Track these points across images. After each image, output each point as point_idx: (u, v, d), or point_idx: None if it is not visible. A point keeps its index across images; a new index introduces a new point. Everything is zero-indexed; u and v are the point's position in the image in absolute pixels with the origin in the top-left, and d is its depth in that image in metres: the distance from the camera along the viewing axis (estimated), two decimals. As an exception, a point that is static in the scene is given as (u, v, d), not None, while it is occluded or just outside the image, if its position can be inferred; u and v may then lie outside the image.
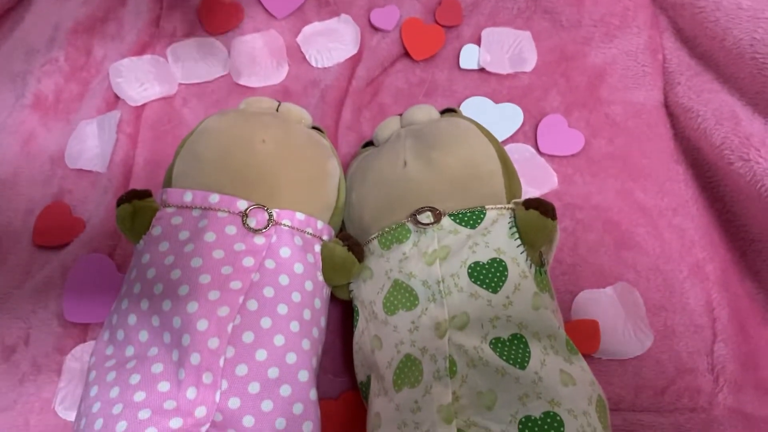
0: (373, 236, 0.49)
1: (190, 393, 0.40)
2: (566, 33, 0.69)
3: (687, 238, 0.58)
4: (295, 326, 0.44)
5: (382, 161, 0.51)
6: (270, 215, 0.46)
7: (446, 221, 0.47)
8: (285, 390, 0.42)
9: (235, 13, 0.71)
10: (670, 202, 0.60)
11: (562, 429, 0.38)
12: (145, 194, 0.49)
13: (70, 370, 0.51)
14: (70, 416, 0.50)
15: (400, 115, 0.55)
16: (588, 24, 0.69)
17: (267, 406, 0.42)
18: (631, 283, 0.56)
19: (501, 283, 0.44)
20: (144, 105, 0.66)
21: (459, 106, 0.66)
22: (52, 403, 0.51)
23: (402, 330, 0.44)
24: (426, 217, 0.47)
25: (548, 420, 0.38)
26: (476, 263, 0.45)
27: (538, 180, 0.61)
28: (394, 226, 0.48)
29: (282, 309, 0.44)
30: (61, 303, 0.54)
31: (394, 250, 0.47)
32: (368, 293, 0.48)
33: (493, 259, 0.45)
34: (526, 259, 0.45)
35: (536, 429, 0.38)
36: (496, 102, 0.66)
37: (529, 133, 0.65)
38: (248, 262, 0.45)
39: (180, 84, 0.67)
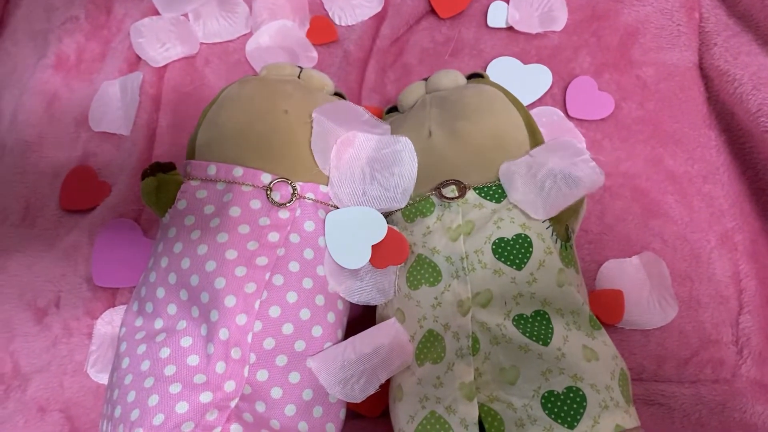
0: (396, 209, 0.49)
1: (219, 367, 0.41)
2: (599, -11, 0.67)
3: (716, 206, 0.57)
4: (320, 300, 0.45)
5: (407, 130, 0.50)
6: (294, 189, 0.46)
7: (471, 195, 0.46)
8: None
9: (257, -32, 0.69)
10: (700, 169, 0.59)
11: (584, 403, 0.38)
12: (169, 167, 0.49)
13: (101, 335, 0.53)
14: (102, 379, 0.51)
15: (425, 79, 0.54)
16: (622, -20, 0.66)
17: (294, 378, 0.43)
18: (657, 253, 0.55)
19: (525, 260, 0.44)
20: (166, 66, 0.65)
21: (486, 67, 0.64)
22: (85, 366, 0.52)
23: (425, 305, 0.45)
24: (450, 191, 0.46)
25: (570, 395, 0.39)
26: (501, 239, 0.44)
27: (565, 145, 0.60)
28: (417, 199, 0.48)
29: (307, 283, 0.45)
30: (90, 267, 0.55)
31: (418, 224, 0.47)
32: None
33: (518, 235, 0.44)
34: (552, 234, 0.45)
35: (558, 403, 0.38)
36: (525, 63, 0.64)
37: (557, 96, 0.63)
38: (273, 237, 0.45)
39: (202, 43, 0.66)
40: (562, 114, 0.62)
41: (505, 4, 0.66)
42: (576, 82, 0.63)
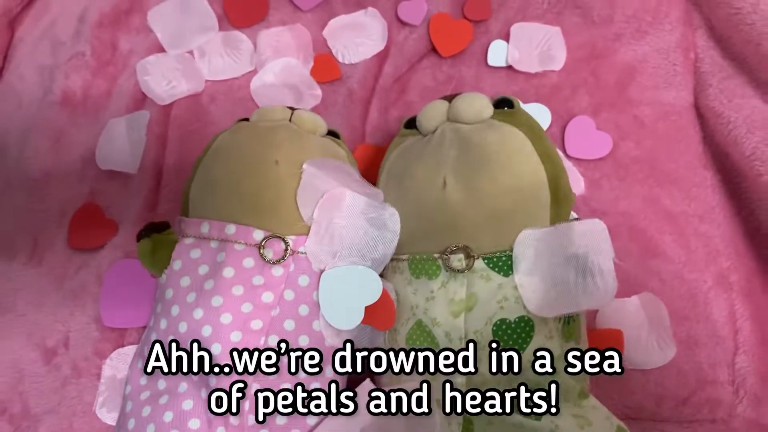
0: (404, 257, 0.48)
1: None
2: (597, 29, 0.68)
3: (712, 246, 0.59)
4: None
5: (422, 171, 0.48)
6: (287, 245, 0.46)
7: (479, 265, 0.45)
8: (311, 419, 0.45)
9: (261, 5, 0.70)
10: (696, 208, 0.60)
11: None
12: (164, 226, 0.50)
13: (110, 375, 0.53)
14: (112, 419, 0.52)
15: (448, 99, 0.50)
16: (620, 20, 0.67)
17: None
18: (655, 292, 0.56)
19: (525, 345, 0.43)
20: (172, 103, 0.66)
21: (487, 105, 0.66)
22: (94, 407, 0.53)
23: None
24: (458, 260, 0.45)
25: None
26: (503, 321, 0.44)
27: (565, 185, 0.61)
28: (425, 257, 0.47)
29: (303, 341, 0.46)
30: (98, 306, 0.56)
31: (423, 284, 0.47)
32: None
33: (521, 318, 0.43)
34: (555, 317, 0.44)
35: None
36: (524, 102, 0.65)
37: (556, 135, 0.64)
38: (267, 297, 0.45)
39: (207, 81, 0.67)
40: (560, 153, 0.63)
41: (505, 43, 0.68)
42: (575, 121, 0.64)
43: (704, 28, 0.66)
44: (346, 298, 0.46)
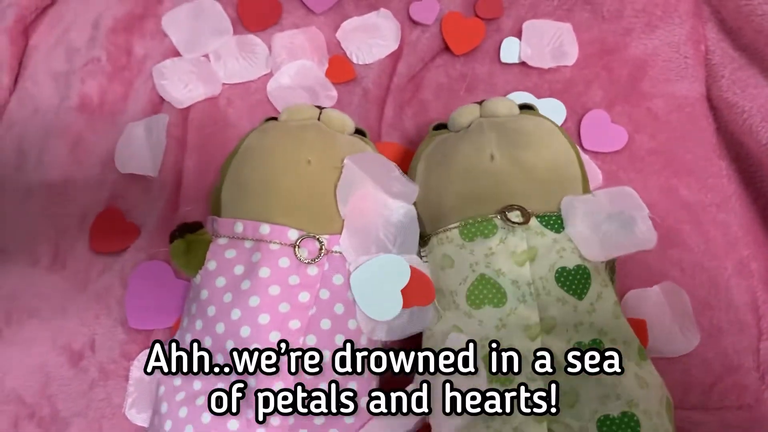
0: (453, 225, 0.49)
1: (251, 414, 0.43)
2: (607, 24, 0.69)
3: (731, 234, 0.59)
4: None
5: (466, 150, 0.51)
6: (321, 244, 0.47)
7: (533, 222, 0.47)
8: (349, 419, 0.45)
9: (274, 8, 0.70)
10: (713, 198, 0.61)
11: (638, 428, 0.40)
12: (197, 226, 0.50)
13: (138, 377, 0.53)
14: (141, 420, 0.52)
15: (479, 103, 0.55)
16: (629, 14, 0.68)
17: None
18: (676, 281, 0.57)
19: (585, 290, 0.46)
20: (189, 107, 0.66)
21: (501, 102, 0.66)
22: (123, 408, 0.53)
23: (488, 326, 0.46)
24: (516, 216, 0.47)
25: (626, 419, 0.41)
26: (563, 268, 0.46)
27: (583, 178, 0.62)
28: (479, 219, 0.48)
29: (339, 340, 0.46)
30: (123, 309, 0.56)
31: (479, 243, 0.47)
32: (449, 282, 0.48)
33: (579, 266, 0.46)
34: (605, 268, 0.47)
35: (614, 427, 0.40)
36: (538, 97, 0.66)
37: (571, 129, 0.65)
38: (304, 297, 0.46)
39: (223, 84, 0.68)
40: (577, 147, 0.63)
41: (517, 40, 0.68)
42: (590, 115, 0.65)
43: (714, 20, 0.67)
44: (379, 289, 0.46)
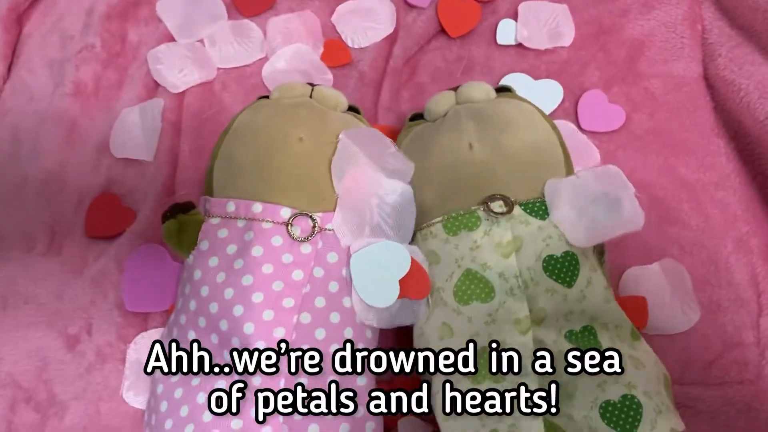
0: (436, 220, 0.48)
1: (253, 413, 0.42)
2: (603, 5, 0.69)
3: (730, 212, 0.59)
4: (348, 332, 0.46)
5: (445, 140, 0.50)
6: (314, 222, 0.46)
7: (517, 211, 0.46)
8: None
9: (269, -7, 0.70)
10: (712, 176, 0.61)
11: (640, 410, 0.40)
12: (189, 206, 0.49)
13: (135, 359, 0.53)
14: (139, 403, 0.52)
15: (453, 89, 0.53)
16: (626, -5, 0.68)
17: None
18: (676, 259, 0.57)
19: (575, 278, 0.44)
20: (184, 92, 0.66)
21: (497, 83, 0.66)
22: (120, 391, 0.52)
23: (477, 322, 0.45)
24: (498, 206, 0.46)
25: (627, 402, 0.40)
26: (551, 256, 0.45)
27: (580, 157, 0.61)
28: (462, 212, 0.47)
29: (334, 318, 0.45)
30: (119, 293, 0.56)
31: (463, 237, 0.46)
32: (435, 279, 0.47)
33: (566, 252, 0.45)
34: (594, 252, 0.46)
35: (616, 412, 0.40)
36: (535, 78, 0.66)
37: (569, 110, 0.65)
38: (297, 275, 0.45)
39: (218, 68, 0.67)
40: (574, 127, 0.63)
41: (513, 21, 0.68)
42: (587, 95, 0.64)
43: (710, 0, 0.67)
44: (378, 276, 0.46)
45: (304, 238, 0.46)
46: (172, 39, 0.68)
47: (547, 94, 0.65)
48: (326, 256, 0.46)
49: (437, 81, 0.67)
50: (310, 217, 0.47)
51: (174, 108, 0.65)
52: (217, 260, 0.46)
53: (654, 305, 0.55)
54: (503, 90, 0.54)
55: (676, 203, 0.60)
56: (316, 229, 0.46)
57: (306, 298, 0.45)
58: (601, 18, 0.68)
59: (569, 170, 0.50)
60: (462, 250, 0.46)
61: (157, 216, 0.59)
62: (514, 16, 0.68)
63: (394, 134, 0.62)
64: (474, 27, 0.69)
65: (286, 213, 0.46)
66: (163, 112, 0.64)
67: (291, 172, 0.47)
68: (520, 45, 0.68)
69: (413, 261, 0.46)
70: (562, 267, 0.45)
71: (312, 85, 0.53)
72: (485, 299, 0.45)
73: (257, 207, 0.46)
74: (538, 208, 0.46)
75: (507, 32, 0.68)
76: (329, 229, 0.47)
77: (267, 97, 0.53)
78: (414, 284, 0.46)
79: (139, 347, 0.54)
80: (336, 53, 0.68)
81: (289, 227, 0.46)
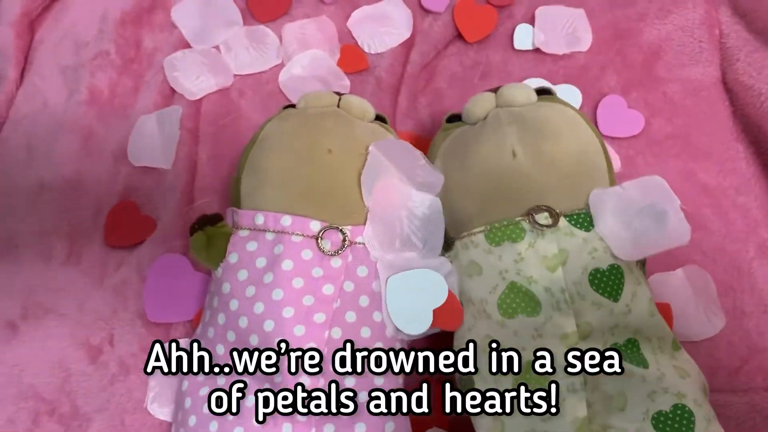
0: (478, 230, 0.47)
1: (286, 429, 0.42)
2: (620, 9, 0.69)
3: (751, 217, 0.59)
4: (379, 346, 0.45)
5: (486, 147, 0.48)
6: (344, 235, 0.46)
7: (563, 223, 0.45)
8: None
9: (284, -2, 0.70)
10: (732, 181, 0.61)
11: (692, 418, 0.39)
12: (216, 218, 0.49)
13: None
14: (163, 414, 0.51)
15: (493, 91, 0.51)
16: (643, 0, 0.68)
17: (360, 428, 0.43)
18: (698, 264, 0.56)
19: (620, 291, 0.44)
20: (201, 99, 0.66)
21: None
22: (144, 403, 0.52)
23: (524, 336, 0.44)
24: (544, 218, 0.45)
25: (678, 411, 0.40)
26: (597, 270, 0.44)
27: (601, 163, 0.61)
28: (505, 223, 0.46)
29: (365, 332, 0.45)
30: (141, 303, 0.55)
31: (507, 249, 0.45)
32: (477, 291, 0.46)
33: (612, 266, 0.44)
34: (637, 264, 0.46)
35: (669, 422, 0.39)
36: (554, 83, 0.66)
37: (588, 114, 0.64)
38: (328, 290, 0.45)
39: (235, 75, 0.67)
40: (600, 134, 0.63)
41: (530, 26, 0.68)
42: (606, 100, 0.64)
43: (727, 4, 0.67)
44: (412, 303, 0.45)
45: (334, 252, 0.45)
46: (187, 45, 0.68)
47: (565, 99, 0.64)
48: (356, 270, 0.46)
49: (454, 86, 0.67)
50: (340, 230, 0.46)
51: (191, 115, 0.65)
52: (247, 273, 0.45)
53: (679, 312, 0.54)
54: (544, 92, 0.52)
55: (697, 209, 0.59)
56: (346, 242, 0.46)
57: (337, 313, 0.45)
58: (618, 22, 0.68)
59: (612, 178, 0.49)
60: (506, 262, 0.45)
61: (176, 224, 0.59)
62: (531, 21, 0.68)
63: (413, 140, 0.63)
64: (491, 32, 0.69)
65: (315, 226, 0.46)
66: (181, 120, 0.63)
67: (320, 185, 0.47)
68: (537, 50, 0.67)
69: (450, 293, 0.46)
70: (608, 281, 0.44)
71: (339, 94, 0.52)
72: (531, 313, 0.44)
73: (286, 220, 0.46)
74: (583, 220, 0.45)
75: (524, 37, 0.68)
76: (359, 243, 0.47)
77: (293, 105, 0.53)
78: (447, 316, 0.46)
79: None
80: (353, 59, 0.67)
81: (319, 241, 0.46)
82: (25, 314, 0.56)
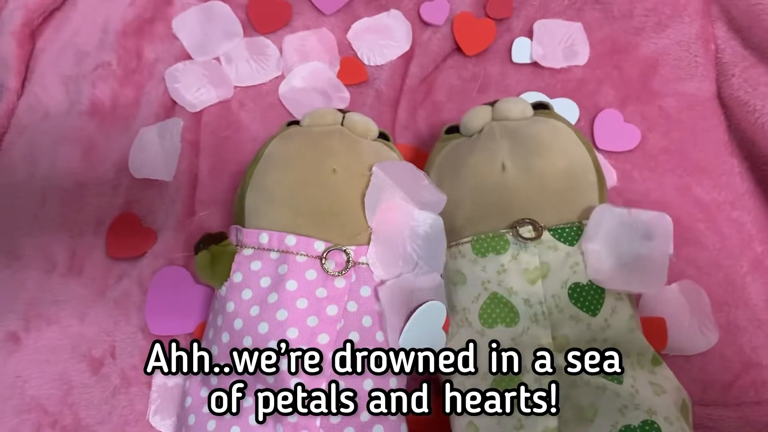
0: (465, 240, 0.49)
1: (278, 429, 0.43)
2: (617, 24, 0.69)
3: (745, 232, 0.60)
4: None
5: (478, 160, 0.49)
6: (348, 256, 0.46)
7: (546, 236, 0.46)
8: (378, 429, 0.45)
9: (284, 10, 0.70)
10: (727, 195, 0.62)
11: None
12: (221, 237, 0.49)
13: (161, 383, 0.53)
14: (165, 427, 0.52)
15: (490, 104, 0.53)
16: (640, 14, 0.69)
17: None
18: (692, 279, 0.57)
19: (599, 306, 0.45)
20: (202, 111, 0.66)
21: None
22: (147, 415, 0.52)
23: (501, 345, 0.46)
24: (527, 231, 0.46)
25: (646, 428, 0.40)
26: (576, 284, 0.45)
27: (597, 177, 0.62)
28: (491, 235, 0.47)
29: None
30: (143, 315, 0.56)
31: (491, 260, 0.47)
32: (461, 299, 0.48)
33: (592, 281, 0.46)
34: None
35: None
36: (551, 97, 0.66)
37: (585, 129, 0.65)
38: (332, 310, 0.45)
39: (235, 87, 0.67)
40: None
41: (528, 40, 0.69)
42: (602, 114, 0.65)
43: (723, 19, 0.67)
44: (417, 330, 0.46)
45: (338, 273, 0.46)
46: (188, 56, 0.68)
47: (563, 112, 0.64)
48: (360, 290, 0.47)
49: (453, 99, 0.68)
50: (344, 251, 0.46)
51: (192, 127, 0.65)
52: (251, 293, 0.46)
53: (673, 326, 0.55)
54: (541, 106, 0.53)
55: (692, 223, 0.60)
56: (350, 263, 0.46)
57: (341, 334, 0.45)
58: (616, 36, 0.69)
59: (602, 192, 0.50)
60: (489, 273, 0.47)
61: (178, 237, 0.59)
62: (529, 35, 0.69)
63: (412, 152, 0.63)
64: (489, 45, 0.69)
65: (320, 246, 0.46)
66: (182, 132, 0.64)
67: (324, 205, 0.47)
68: (535, 63, 0.68)
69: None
70: (587, 295, 0.45)
71: (343, 111, 0.53)
72: (510, 324, 0.46)
73: (291, 240, 0.46)
74: (568, 234, 0.47)
75: (522, 51, 0.69)
76: (363, 263, 0.47)
77: (296, 122, 0.53)
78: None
79: (164, 370, 0.54)
80: (353, 71, 0.68)
81: (324, 261, 0.46)
82: (27, 326, 0.56)
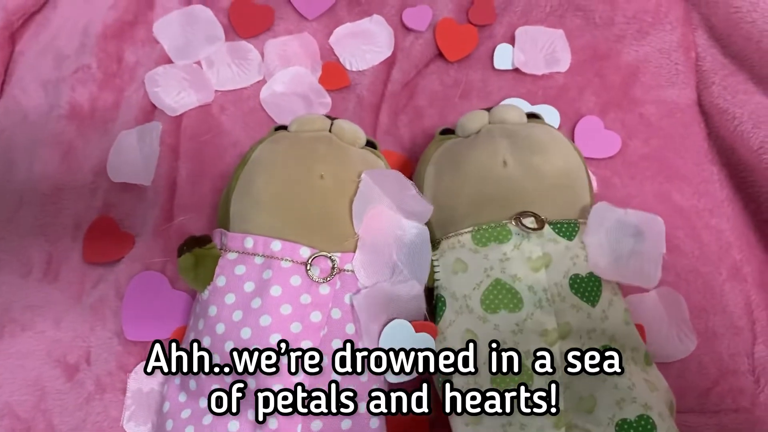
0: (465, 230, 0.49)
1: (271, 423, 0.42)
2: (599, 31, 0.69)
3: (724, 239, 0.60)
4: (364, 377, 0.46)
5: (478, 155, 0.51)
6: (333, 262, 0.46)
7: (547, 229, 0.48)
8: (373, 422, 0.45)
9: (266, 14, 0.70)
10: (706, 203, 0.62)
11: (654, 431, 0.41)
12: (205, 240, 0.49)
13: (135, 389, 0.53)
14: (140, 433, 0.51)
15: (486, 110, 0.55)
16: (621, 21, 0.69)
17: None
18: (671, 286, 0.57)
19: (597, 297, 0.47)
20: (182, 114, 0.66)
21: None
22: (121, 421, 0.52)
23: (504, 330, 0.46)
24: (531, 222, 0.48)
25: (642, 422, 0.41)
26: (576, 275, 0.47)
27: (577, 184, 0.62)
28: (493, 225, 0.48)
29: None
30: (119, 320, 0.55)
31: (493, 249, 0.48)
32: (462, 286, 0.48)
33: (591, 274, 0.48)
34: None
35: (632, 431, 0.41)
36: (532, 103, 0.66)
37: (566, 135, 0.64)
38: (316, 317, 0.45)
39: (216, 91, 0.67)
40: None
41: (510, 46, 0.69)
42: (583, 121, 0.65)
43: (704, 27, 0.68)
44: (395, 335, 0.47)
45: (323, 279, 0.46)
46: (169, 60, 0.68)
47: (544, 119, 0.65)
48: (344, 297, 0.46)
49: (435, 105, 0.68)
50: (330, 257, 0.46)
51: (171, 131, 0.64)
52: (234, 297, 0.45)
53: (651, 333, 0.55)
54: (532, 116, 0.56)
55: (672, 230, 0.60)
56: (335, 269, 0.46)
57: (324, 341, 0.45)
58: (597, 43, 0.69)
59: (592, 195, 0.53)
60: (492, 261, 0.48)
61: (156, 241, 0.59)
62: (511, 41, 0.69)
63: (394, 160, 0.63)
64: (471, 51, 0.69)
65: (305, 252, 0.46)
66: (161, 136, 0.63)
67: (311, 211, 0.47)
68: (517, 70, 0.68)
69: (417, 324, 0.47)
70: (587, 286, 0.47)
71: (330, 118, 0.53)
72: (513, 309, 0.46)
73: (276, 245, 0.46)
74: (566, 229, 0.49)
75: (504, 57, 0.69)
76: (348, 270, 0.47)
77: (284, 127, 0.53)
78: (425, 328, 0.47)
79: (139, 376, 0.53)
80: (334, 76, 0.68)
81: (309, 267, 0.46)
82: (1, 331, 0.56)
